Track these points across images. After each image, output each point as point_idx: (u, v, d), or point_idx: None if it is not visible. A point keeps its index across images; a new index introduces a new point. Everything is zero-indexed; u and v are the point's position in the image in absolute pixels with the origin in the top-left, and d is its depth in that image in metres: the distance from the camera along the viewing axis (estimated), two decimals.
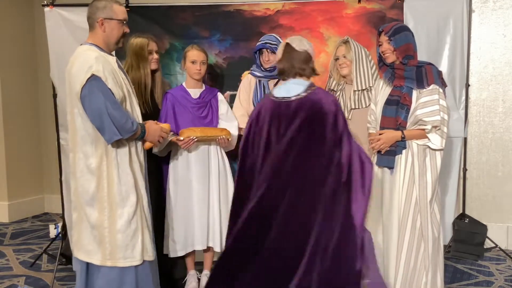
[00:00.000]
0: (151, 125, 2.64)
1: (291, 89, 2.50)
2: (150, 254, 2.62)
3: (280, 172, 2.42)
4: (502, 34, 4.16)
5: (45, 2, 3.70)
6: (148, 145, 2.66)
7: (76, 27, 3.70)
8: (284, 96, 2.50)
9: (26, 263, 3.95)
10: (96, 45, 2.53)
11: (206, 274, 3.38)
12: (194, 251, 3.34)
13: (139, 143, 2.62)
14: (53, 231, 4.45)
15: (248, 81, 3.49)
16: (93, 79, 2.39)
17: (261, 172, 2.47)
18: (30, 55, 5.39)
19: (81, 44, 2.57)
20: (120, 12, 2.56)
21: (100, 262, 2.51)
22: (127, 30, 2.60)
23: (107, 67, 2.45)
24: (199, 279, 3.39)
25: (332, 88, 3.31)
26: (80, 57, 2.47)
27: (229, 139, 3.23)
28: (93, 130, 2.45)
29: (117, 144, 2.49)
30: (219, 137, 3.19)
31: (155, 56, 3.22)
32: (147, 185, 2.69)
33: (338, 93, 3.26)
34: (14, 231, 4.86)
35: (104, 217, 2.48)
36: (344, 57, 3.17)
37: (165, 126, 2.80)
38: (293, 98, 2.47)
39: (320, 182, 2.36)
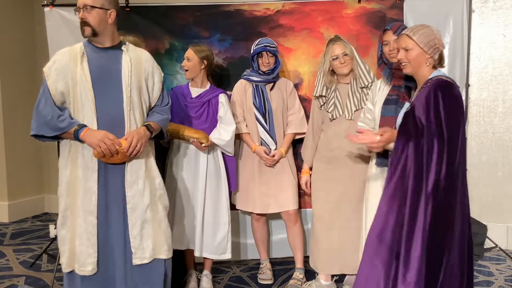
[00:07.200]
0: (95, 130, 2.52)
1: None
2: None
3: None
4: (502, 34, 4.16)
5: (45, 2, 3.70)
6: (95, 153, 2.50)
7: (76, 27, 3.66)
8: None
9: (26, 263, 3.95)
10: None
11: (206, 274, 3.38)
12: (193, 251, 3.33)
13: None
14: (53, 231, 4.43)
15: (241, 88, 3.46)
16: None
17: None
18: (30, 55, 5.40)
19: None
20: None
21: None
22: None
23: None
24: (199, 279, 3.39)
25: (322, 94, 3.19)
26: None
27: (204, 144, 3.13)
28: None
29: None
30: (192, 139, 3.13)
31: None
32: None
33: (332, 94, 3.17)
34: (14, 231, 4.86)
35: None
36: (346, 54, 3.11)
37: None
38: None
39: None
